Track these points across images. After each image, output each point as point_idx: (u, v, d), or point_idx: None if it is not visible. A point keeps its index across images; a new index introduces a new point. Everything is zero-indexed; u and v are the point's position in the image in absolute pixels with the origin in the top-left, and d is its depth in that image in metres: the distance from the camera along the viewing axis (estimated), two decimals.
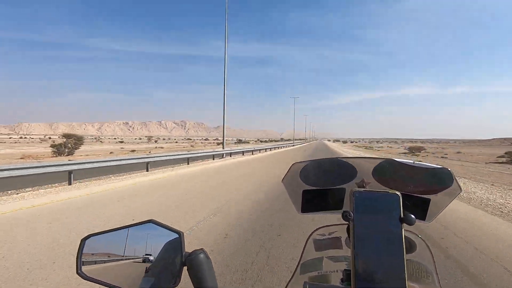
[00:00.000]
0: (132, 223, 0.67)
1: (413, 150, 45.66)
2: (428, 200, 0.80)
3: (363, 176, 0.82)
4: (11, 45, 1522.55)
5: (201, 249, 0.63)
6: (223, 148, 23.72)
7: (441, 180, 0.79)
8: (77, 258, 0.66)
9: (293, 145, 58.14)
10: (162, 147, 46.35)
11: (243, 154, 24.74)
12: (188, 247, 0.62)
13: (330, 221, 0.91)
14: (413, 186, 0.80)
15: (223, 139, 24.47)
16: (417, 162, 0.81)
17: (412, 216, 0.67)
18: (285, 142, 67.82)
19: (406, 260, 0.64)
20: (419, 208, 0.80)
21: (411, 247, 0.76)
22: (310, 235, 0.84)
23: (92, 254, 0.66)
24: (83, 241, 0.68)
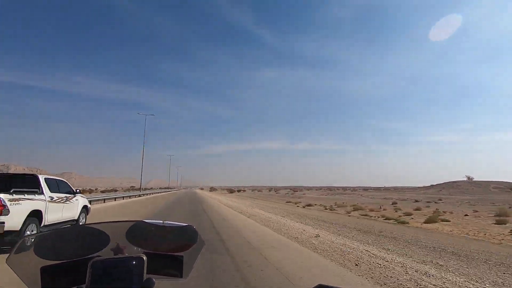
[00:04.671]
0: None
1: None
2: (182, 257, 0.83)
3: (118, 241, 0.78)
4: None
5: None
6: None
7: (188, 236, 0.86)
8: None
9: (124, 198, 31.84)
10: None
11: None
12: None
13: None
14: (165, 246, 0.84)
15: None
16: (167, 222, 0.86)
17: (153, 279, 0.69)
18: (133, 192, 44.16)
19: None
20: (175, 265, 0.83)
21: None
22: None
23: None
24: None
